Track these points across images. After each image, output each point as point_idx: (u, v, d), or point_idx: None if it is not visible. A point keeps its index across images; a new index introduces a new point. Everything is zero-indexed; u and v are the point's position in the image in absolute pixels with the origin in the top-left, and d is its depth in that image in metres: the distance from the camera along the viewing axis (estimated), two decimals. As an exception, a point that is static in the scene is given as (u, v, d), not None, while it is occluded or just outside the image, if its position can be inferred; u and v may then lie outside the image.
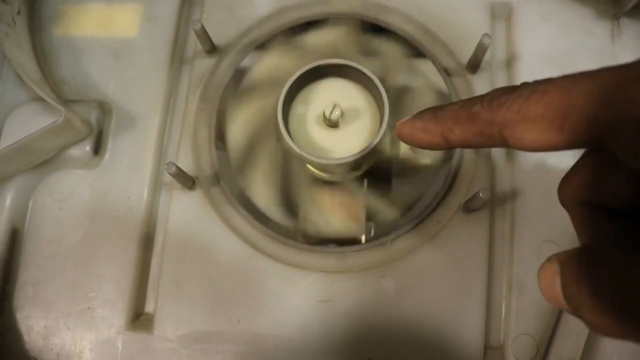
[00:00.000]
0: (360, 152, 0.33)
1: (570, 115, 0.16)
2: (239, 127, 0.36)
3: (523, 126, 0.17)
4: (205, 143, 0.38)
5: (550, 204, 0.35)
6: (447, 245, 0.34)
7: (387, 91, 0.33)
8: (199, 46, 0.39)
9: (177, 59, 0.40)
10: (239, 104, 0.36)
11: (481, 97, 0.19)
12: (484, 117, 0.19)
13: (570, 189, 0.19)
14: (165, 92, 0.39)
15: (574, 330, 0.31)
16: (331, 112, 0.33)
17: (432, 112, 0.21)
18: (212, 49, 0.39)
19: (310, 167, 0.34)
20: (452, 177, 0.36)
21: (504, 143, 0.19)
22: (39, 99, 0.36)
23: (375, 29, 0.37)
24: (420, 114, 0.22)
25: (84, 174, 0.37)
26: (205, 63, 0.40)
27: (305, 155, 0.33)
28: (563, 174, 0.20)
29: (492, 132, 0.19)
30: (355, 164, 0.33)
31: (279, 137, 0.34)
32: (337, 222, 0.34)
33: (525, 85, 0.18)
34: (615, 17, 0.38)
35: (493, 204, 0.35)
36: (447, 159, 0.38)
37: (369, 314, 0.34)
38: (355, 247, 0.35)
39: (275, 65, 0.36)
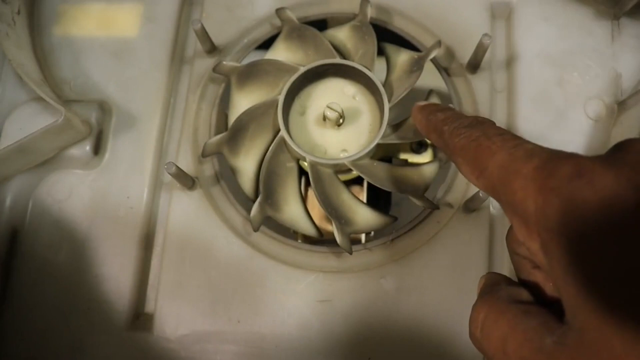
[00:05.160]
0: (357, 153, 0.33)
1: (482, 174, 0.19)
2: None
3: (460, 160, 0.21)
4: (205, 143, 0.37)
5: (550, 204, 0.34)
6: (447, 245, 0.34)
7: (387, 92, 0.34)
8: (199, 46, 0.39)
9: (177, 59, 0.40)
10: (239, 101, 0.36)
11: (455, 119, 0.22)
12: (445, 138, 0.22)
13: (508, 241, 0.22)
14: (165, 92, 0.39)
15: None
16: (331, 112, 0.33)
17: (430, 112, 0.24)
18: (212, 49, 0.39)
19: (305, 163, 0.34)
20: (452, 177, 0.36)
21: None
22: (39, 99, 0.36)
23: (375, 29, 0.37)
24: (425, 108, 0.25)
25: (84, 174, 0.37)
26: (205, 63, 0.40)
27: (303, 154, 0.33)
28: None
29: (447, 152, 0.22)
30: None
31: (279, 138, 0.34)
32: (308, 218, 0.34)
33: (488, 127, 0.20)
34: (615, 17, 0.38)
35: (493, 203, 0.35)
36: (447, 159, 0.38)
37: (368, 314, 0.34)
38: (355, 247, 0.35)
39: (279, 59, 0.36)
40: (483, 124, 0.21)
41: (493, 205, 0.35)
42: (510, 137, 0.19)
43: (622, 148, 0.16)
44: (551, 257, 0.16)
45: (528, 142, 0.18)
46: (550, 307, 0.18)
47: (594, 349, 0.15)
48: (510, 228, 0.21)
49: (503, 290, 0.20)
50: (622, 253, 0.14)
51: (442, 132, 0.22)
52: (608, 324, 0.14)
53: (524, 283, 0.21)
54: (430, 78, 0.38)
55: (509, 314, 0.18)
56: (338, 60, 0.35)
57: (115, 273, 0.35)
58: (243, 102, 0.36)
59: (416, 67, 0.35)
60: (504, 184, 0.18)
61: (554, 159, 0.16)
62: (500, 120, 0.37)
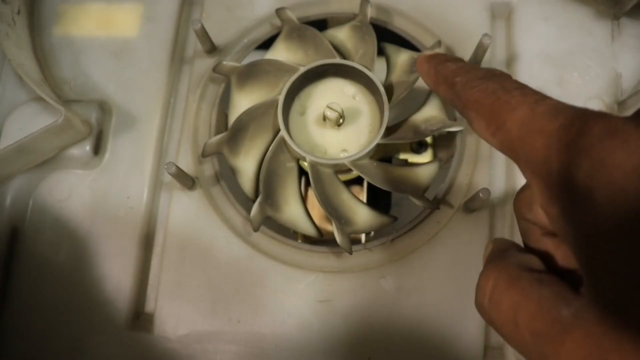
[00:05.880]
0: (357, 153, 0.33)
1: (499, 130, 0.18)
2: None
3: (473, 114, 0.19)
4: (205, 143, 0.37)
5: (550, 204, 0.34)
6: (447, 245, 0.35)
7: (387, 91, 0.34)
8: (199, 46, 0.39)
9: (177, 59, 0.40)
10: (239, 101, 0.36)
11: (469, 70, 0.20)
12: (457, 90, 0.20)
13: (517, 205, 0.20)
14: (165, 92, 0.39)
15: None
16: (331, 112, 0.33)
17: (439, 62, 0.23)
18: (212, 49, 0.39)
19: (305, 163, 0.34)
20: (452, 177, 0.36)
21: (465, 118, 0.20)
22: (39, 99, 0.36)
23: (375, 29, 0.37)
24: (433, 57, 0.23)
25: (84, 174, 0.37)
26: (205, 63, 0.40)
27: (303, 154, 0.33)
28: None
29: (458, 105, 0.20)
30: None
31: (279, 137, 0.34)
32: (308, 217, 0.34)
33: (506, 80, 0.19)
34: (615, 17, 0.38)
35: (493, 204, 0.35)
36: (447, 159, 0.38)
37: (368, 314, 0.34)
38: (355, 247, 0.35)
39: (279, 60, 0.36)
40: (500, 76, 0.19)
41: (493, 205, 0.35)
42: (531, 92, 0.18)
43: None
44: (574, 225, 0.15)
45: (550, 97, 0.17)
46: (560, 277, 0.17)
47: (615, 325, 0.14)
48: (520, 191, 0.20)
49: (513, 257, 0.18)
50: None
51: (453, 83, 0.20)
52: (634, 301, 0.13)
53: (531, 251, 0.19)
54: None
55: (521, 282, 0.17)
56: (338, 60, 0.35)
57: (115, 273, 0.35)
58: (243, 102, 0.36)
59: (416, 67, 0.35)
60: (524, 142, 0.16)
61: (582, 117, 0.15)
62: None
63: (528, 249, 0.20)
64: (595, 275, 0.14)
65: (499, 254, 0.19)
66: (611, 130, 0.14)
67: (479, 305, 0.18)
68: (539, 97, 0.17)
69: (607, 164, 0.14)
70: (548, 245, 0.19)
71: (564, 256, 0.19)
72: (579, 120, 0.15)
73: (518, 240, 0.21)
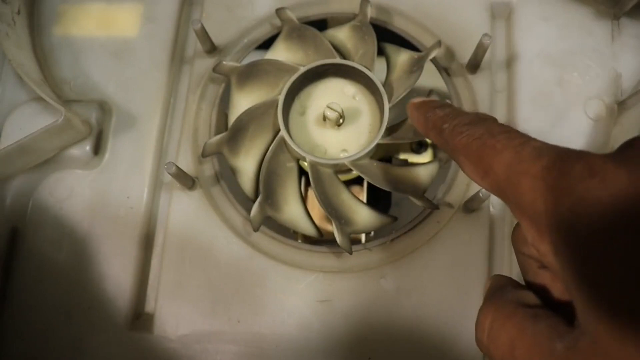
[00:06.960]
0: (357, 153, 0.33)
1: (487, 174, 0.18)
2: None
3: (462, 159, 0.20)
4: (205, 143, 0.37)
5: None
6: (447, 245, 0.35)
7: (387, 92, 0.34)
8: (199, 46, 0.39)
9: (177, 59, 0.40)
10: (239, 101, 0.36)
11: (456, 117, 0.21)
12: (445, 136, 0.21)
13: (514, 240, 0.21)
14: (165, 92, 0.39)
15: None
16: (331, 112, 0.33)
17: (428, 109, 0.23)
18: (212, 49, 0.39)
19: (305, 163, 0.34)
20: (452, 177, 0.36)
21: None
22: (39, 99, 0.36)
23: (375, 29, 0.37)
24: (423, 105, 0.24)
25: (84, 174, 0.37)
26: (205, 63, 0.40)
27: (303, 154, 0.33)
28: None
29: (447, 151, 0.21)
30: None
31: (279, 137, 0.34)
32: (308, 217, 0.34)
33: (492, 124, 0.20)
34: (615, 17, 0.38)
35: (493, 203, 0.35)
36: (447, 159, 0.38)
37: (368, 314, 0.34)
38: (355, 247, 0.35)
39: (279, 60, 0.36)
40: (486, 121, 0.20)
41: (493, 205, 0.35)
42: (515, 135, 0.18)
43: (632, 145, 0.16)
44: (562, 259, 0.16)
45: (534, 139, 0.18)
46: (558, 310, 0.18)
47: (607, 354, 0.14)
48: (516, 227, 0.21)
49: (510, 294, 0.19)
50: (637, 253, 0.14)
51: (441, 130, 0.21)
52: (623, 329, 0.14)
53: (530, 284, 0.20)
54: (430, 78, 0.38)
55: (516, 318, 0.18)
56: (338, 60, 0.35)
57: (115, 273, 0.35)
58: (243, 102, 0.36)
59: (416, 67, 0.35)
60: (511, 184, 0.17)
61: (563, 158, 0.16)
62: (500, 121, 0.37)
63: (527, 282, 0.21)
64: (585, 304, 0.15)
65: (497, 290, 0.20)
66: (590, 170, 0.15)
67: (479, 341, 0.19)
68: (524, 140, 0.18)
69: (587, 201, 0.15)
70: (545, 278, 0.20)
71: (560, 289, 0.19)
72: (560, 161, 0.16)
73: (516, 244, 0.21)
